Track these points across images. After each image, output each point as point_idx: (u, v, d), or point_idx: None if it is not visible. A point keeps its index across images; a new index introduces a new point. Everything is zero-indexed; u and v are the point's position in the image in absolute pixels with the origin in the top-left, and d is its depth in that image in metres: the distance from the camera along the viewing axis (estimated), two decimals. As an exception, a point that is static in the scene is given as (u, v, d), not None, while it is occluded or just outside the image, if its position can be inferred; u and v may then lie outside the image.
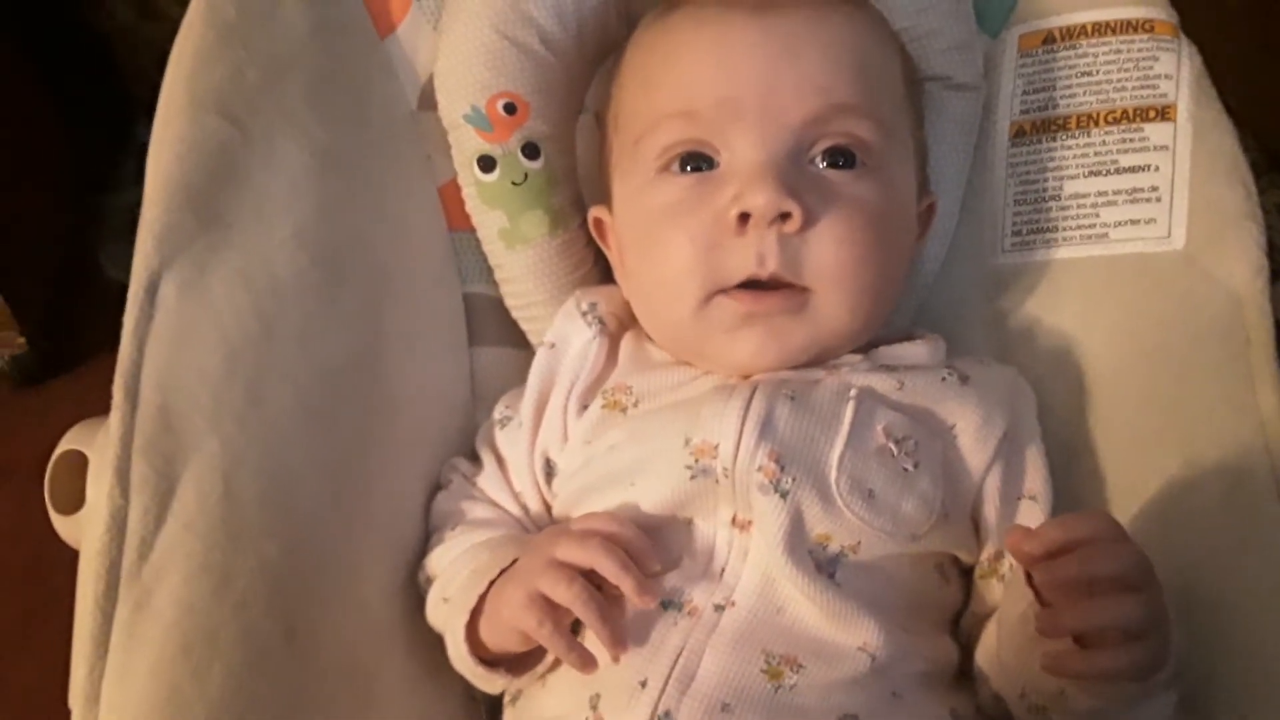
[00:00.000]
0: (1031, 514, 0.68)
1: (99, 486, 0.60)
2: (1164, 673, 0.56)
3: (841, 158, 0.67)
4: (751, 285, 0.66)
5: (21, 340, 1.18)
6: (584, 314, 0.74)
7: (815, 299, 0.66)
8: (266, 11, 0.74)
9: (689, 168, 0.68)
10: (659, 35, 0.72)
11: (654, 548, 0.63)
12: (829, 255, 0.65)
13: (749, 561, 0.64)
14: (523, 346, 0.83)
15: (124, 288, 0.64)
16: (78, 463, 0.64)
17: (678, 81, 0.69)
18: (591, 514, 0.66)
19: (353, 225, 0.75)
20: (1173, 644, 0.57)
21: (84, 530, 0.61)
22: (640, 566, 0.61)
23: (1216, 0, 0.95)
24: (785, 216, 0.64)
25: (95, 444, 0.63)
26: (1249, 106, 0.84)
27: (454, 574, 0.68)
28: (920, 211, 0.75)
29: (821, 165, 0.67)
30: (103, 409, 0.62)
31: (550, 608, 0.60)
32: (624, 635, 0.61)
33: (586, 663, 0.61)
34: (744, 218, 0.64)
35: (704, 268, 0.66)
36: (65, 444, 0.65)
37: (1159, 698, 0.58)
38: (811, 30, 0.67)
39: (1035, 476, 0.69)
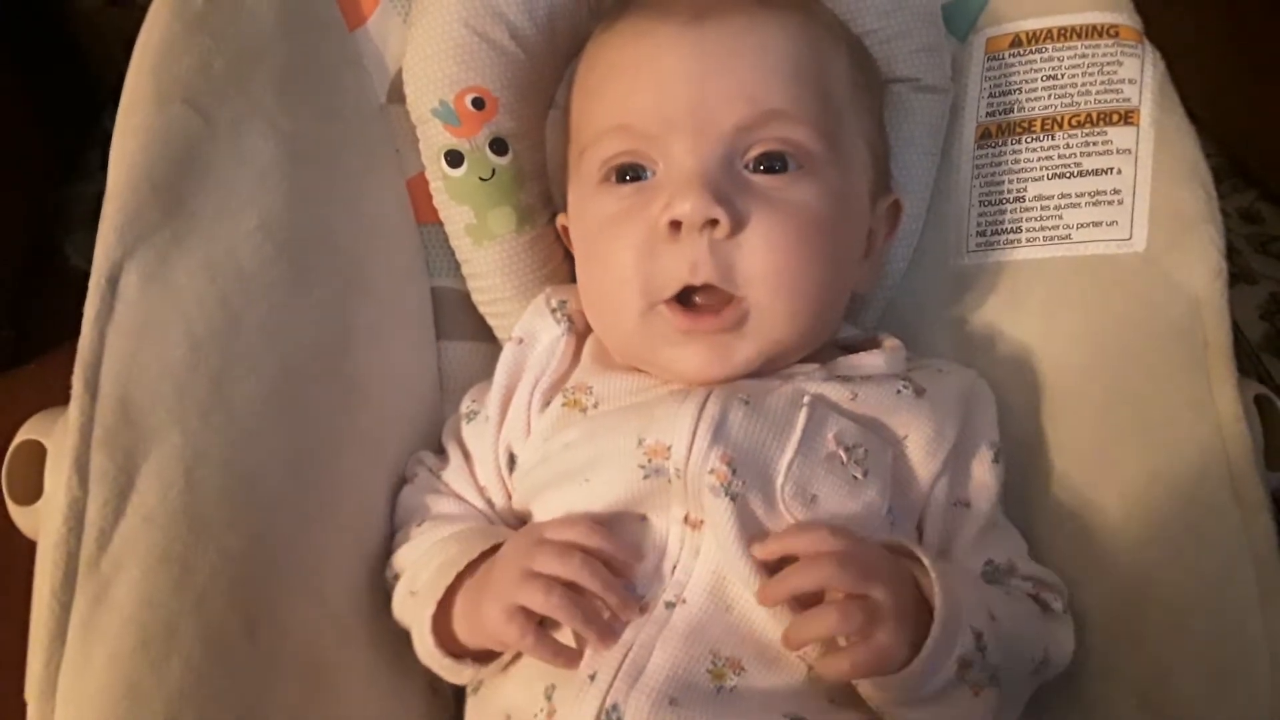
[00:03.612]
0: (962, 519, 0.69)
1: (57, 477, 0.60)
2: (924, 665, 0.58)
3: (776, 162, 0.67)
4: (689, 296, 0.66)
5: (-15, 329, 1.16)
6: (553, 311, 0.75)
7: (754, 311, 0.66)
8: (235, 2, 0.74)
9: (628, 178, 0.69)
10: (598, 48, 0.73)
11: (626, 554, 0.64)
12: (760, 260, 0.65)
13: (700, 559, 0.64)
14: (490, 340, 0.83)
15: (89, 277, 0.63)
16: (36, 453, 0.63)
17: (614, 94, 0.70)
18: (566, 521, 0.65)
19: (320, 217, 0.74)
20: (932, 640, 0.58)
21: (42, 521, 0.60)
22: (618, 576, 0.62)
23: (1180, 7, 0.96)
24: (714, 223, 0.64)
25: (54, 434, 0.63)
26: (1211, 111, 0.85)
27: (421, 568, 0.68)
28: (885, 211, 0.76)
29: (755, 171, 0.67)
30: (68, 399, 0.61)
31: (531, 619, 0.61)
32: (608, 630, 0.62)
33: (571, 661, 0.62)
34: (676, 225, 0.64)
35: (642, 276, 0.66)
36: (24, 434, 0.64)
37: (959, 696, 0.60)
38: (743, 38, 0.67)
39: (976, 484, 0.69)
